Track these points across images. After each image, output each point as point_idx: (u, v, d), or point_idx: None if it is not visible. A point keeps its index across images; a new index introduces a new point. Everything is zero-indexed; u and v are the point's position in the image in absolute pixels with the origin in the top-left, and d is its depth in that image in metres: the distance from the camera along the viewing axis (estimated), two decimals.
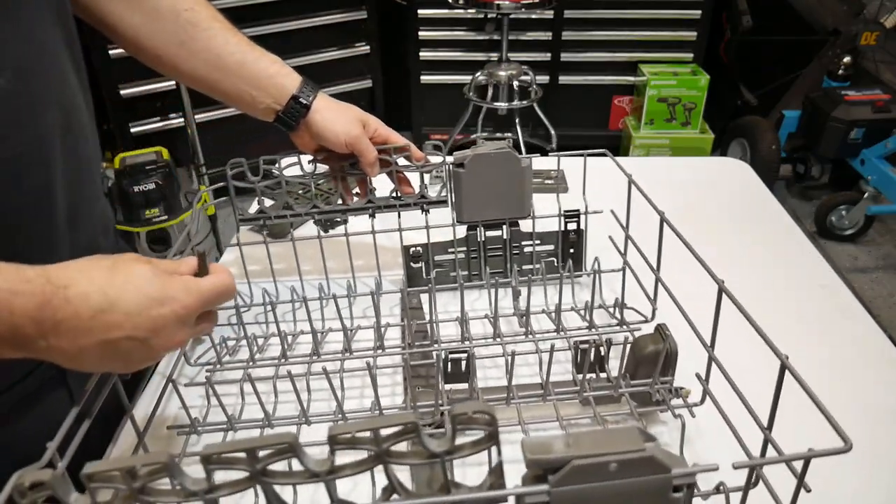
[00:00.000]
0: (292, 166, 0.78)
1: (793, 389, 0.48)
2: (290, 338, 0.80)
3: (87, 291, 0.47)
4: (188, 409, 0.66)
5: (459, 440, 0.37)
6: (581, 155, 0.83)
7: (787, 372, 0.49)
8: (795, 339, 0.81)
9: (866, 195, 2.51)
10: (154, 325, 0.49)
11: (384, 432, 0.36)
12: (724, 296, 0.58)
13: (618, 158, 0.83)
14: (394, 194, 0.81)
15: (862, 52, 2.69)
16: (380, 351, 0.75)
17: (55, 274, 0.47)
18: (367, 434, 0.35)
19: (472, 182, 0.78)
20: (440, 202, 0.81)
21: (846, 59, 2.70)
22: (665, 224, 0.70)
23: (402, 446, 0.37)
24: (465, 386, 0.69)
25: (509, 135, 2.95)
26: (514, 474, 0.39)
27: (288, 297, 0.83)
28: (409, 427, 0.35)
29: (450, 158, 0.79)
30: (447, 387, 0.69)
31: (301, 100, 0.74)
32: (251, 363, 0.74)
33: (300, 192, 1.03)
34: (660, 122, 2.89)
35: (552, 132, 2.92)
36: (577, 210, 0.85)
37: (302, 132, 0.77)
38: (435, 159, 0.79)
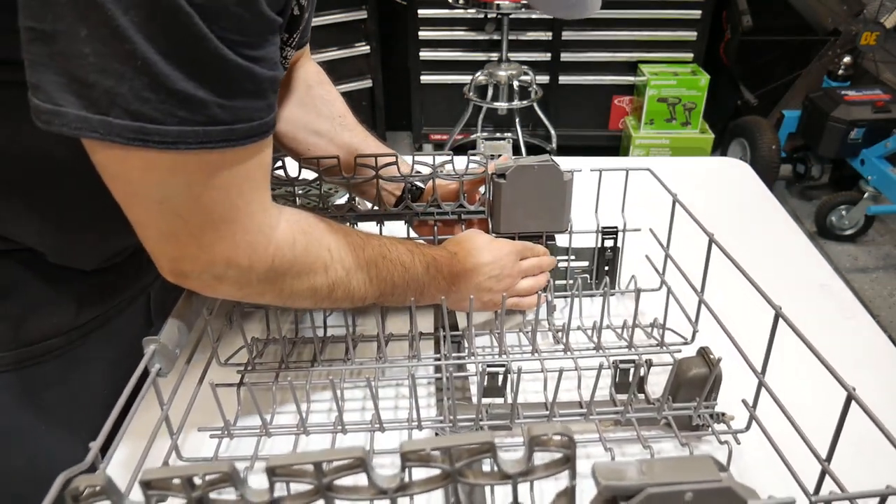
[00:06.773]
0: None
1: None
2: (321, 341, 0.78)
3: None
4: (223, 412, 0.64)
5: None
6: (623, 169, 0.81)
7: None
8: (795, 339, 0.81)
9: (866, 195, 2.52)
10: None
11: (458, 451, 0.35)
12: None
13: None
14: (432, 202, 0.80)
15: (862, 52, 2.70)
16: (415, 360, 0.73)
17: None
18: (441, 452, 0.35)
19: (512, 194, 0.77)
20: (478, 213, 0.80)
21: (846, 59, 2.72)
22: (714, 245, 0.68)
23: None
24: (500, 400, 0.68)
25: (509, 134, 2.95)
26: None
27: None
28: (486, 446, 0.35)
29: (491, 168, 0.78)
30: (484, 400, 0.68)
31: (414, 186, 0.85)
32: (283, 366, 0.72)
33: (300, 192, 1.00)
34: (660, 122, 2.89)
35: (552, 132, 2.91)
36: (615, 227, 0.84)
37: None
38: (475, 168, 0.78)
